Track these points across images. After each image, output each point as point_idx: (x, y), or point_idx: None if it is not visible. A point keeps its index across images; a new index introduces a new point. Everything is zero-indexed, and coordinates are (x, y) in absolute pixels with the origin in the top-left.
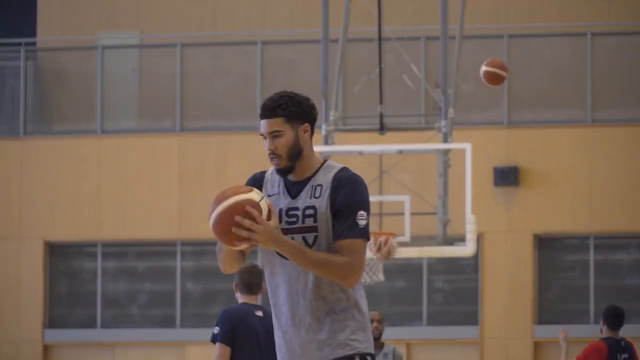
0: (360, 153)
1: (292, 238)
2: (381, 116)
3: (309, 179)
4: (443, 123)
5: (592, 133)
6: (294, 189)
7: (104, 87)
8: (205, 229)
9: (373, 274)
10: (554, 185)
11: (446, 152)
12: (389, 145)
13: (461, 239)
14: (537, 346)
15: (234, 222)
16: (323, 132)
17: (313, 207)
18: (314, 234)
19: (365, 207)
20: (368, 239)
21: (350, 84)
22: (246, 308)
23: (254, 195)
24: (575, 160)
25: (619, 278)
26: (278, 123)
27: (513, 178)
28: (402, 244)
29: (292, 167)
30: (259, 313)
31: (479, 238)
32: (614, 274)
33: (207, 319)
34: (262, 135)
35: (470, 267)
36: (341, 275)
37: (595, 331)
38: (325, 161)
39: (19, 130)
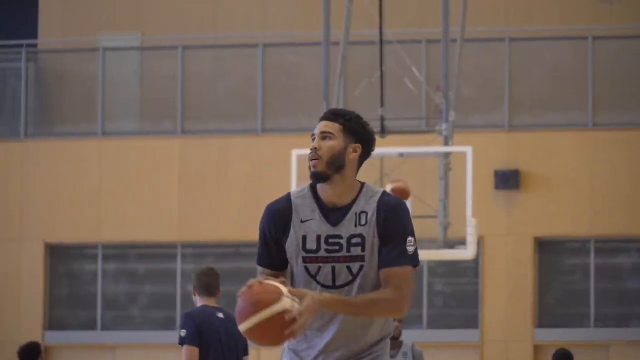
0: None
1: (334, 267)
2: (382, 119)
3: (350, 205)
4: (444, 126)
5: (594, 137)
6: (333, 216)
7: (105, 89)
8: (205, 231)
9: None
10: (555, 188)
11: (447, 155)
12: (390, 148)
13: (462, 242)
14: (538, 350)
15: (274, 333)
16: None
17: (360, 236)
18: (360, 263)
19: (413, 233)
20: (417, 265)
21: (352, 87)
22: (208, 310)
23: (287, 302)
24: (576, 163)
25: (619, 282)
26: (334, 127)
27: (514, 181)
28: None
29: (328, 176)
30: (220, 315)
31: (480, 241)
32: (614, 277)
33: None
34: (312, 136)
35: (471, 270)
36: (392, 310)
37: (595, 335)
38: (363, 185)
39: (20, 132)
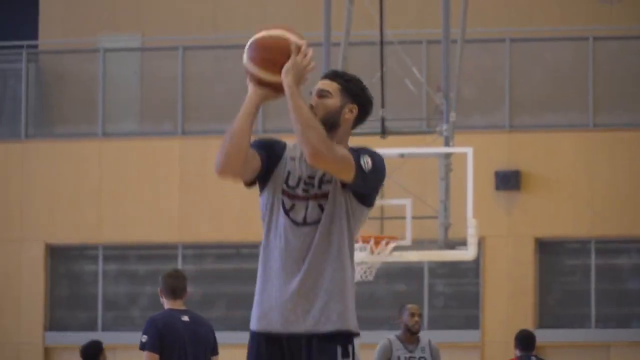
0: None
1: (307, 205)
2: (383, 120)
3: None
4: (444, 127)
5: (594, 137)
6: None
7: (105, 89)
8: (206, 232)
9: (364, 273)
10: (555, 189)
11: (448, 156)
12: (390, 149)
13: (462, 243)
14: (538, 350)
15: (280, 51)
16: None
17: (330, 179)
18: (330, 199)
19: (375, 157)
20: (362, 168)
21: None
22: (172, 314)
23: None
24: (576, 164)
25: (620, 282)
26: (332, 86)
27: (514, 182)
28: (404, 248)
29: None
30: (185, 318)
31: (480, 242)
32: (615, 278)
33: None
34: (310, 93)
35: (472, 271)
36: (317, 141)
37: (596, 335)
38: (350, 148)
39: (20, 133)
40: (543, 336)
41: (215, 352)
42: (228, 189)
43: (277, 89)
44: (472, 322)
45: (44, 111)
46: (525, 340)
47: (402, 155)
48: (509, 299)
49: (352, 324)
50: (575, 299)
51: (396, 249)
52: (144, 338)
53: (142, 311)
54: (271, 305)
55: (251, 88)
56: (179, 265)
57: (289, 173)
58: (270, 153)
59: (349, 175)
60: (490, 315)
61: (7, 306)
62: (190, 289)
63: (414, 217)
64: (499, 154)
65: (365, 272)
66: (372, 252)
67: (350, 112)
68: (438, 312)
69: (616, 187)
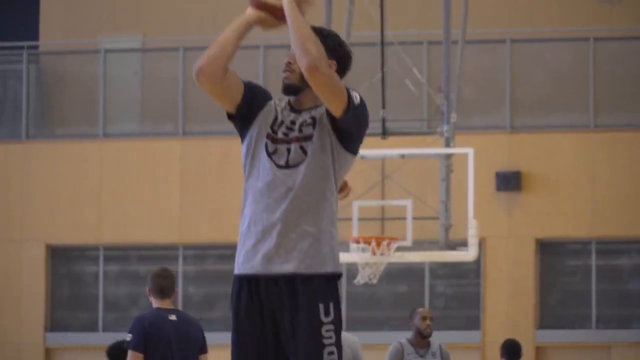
0: (362, 157)
1: (289, 149)
2: (383, 121)
3: (313, 107)
4: (445, 127)
5: (595, 138)
6: (297, 111)
7: (106, 90)
8: (206, 233)
9: (371, 275)
10: (556, 190)
11: (448, 156)
12: (391, 149)
13: (463, 244)
14: (539, 351)
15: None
16: None
17: (312, 117)
18: (312, 141)
19: (361, 99)
20: (353, 102)
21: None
22: (159, 313)
23: None
24: (577, 165)
25: (620, 283)
26: None
27: (515, 183)
28: (404, 249)
29: (299, 89)
30: (172, 317)
31: (481, 243)
32: (615, 279)
33: (209, 323)
34: (288, 50)
35: (472, 271)
36: (311, 52)
37: (597, 336)
38: None
39: (21, 134)
40: (544, 337)
41: (204, 350)
42: (228, 189)
43: (274, 13)
44: (472, 322)
45: (44, 112)
46: (511, 350)
47: (402, 156)
48: (509, 299)
49: (335, 266)
50: (575, 299)
51: (397, 249)
52: (129, 337)
53: (142, 312)
54: (254, 247)
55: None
56: (180, 266)
57: (275, 118)
58: (256, 92)
59: (340, 104)
60: (491, 316)
61: (8, 307)
62: (190, 289)
63: (414, 218)
64: (500, 155)
65: (370, 276)
66: (373, 253)
67: (328, 67)
68: (439, 313)
69: (617, 188)
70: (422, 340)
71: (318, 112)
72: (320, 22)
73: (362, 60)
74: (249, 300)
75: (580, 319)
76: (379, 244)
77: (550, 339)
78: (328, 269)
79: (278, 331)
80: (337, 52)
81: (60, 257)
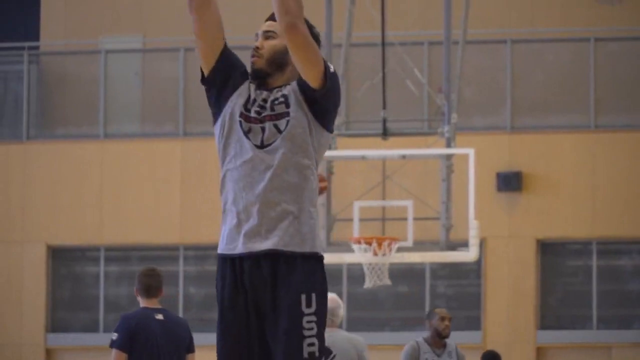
0: (363, 158)
1: (263, 128)
2: (384, 121)
3: (283, 85)
4: (446, 128)
5: (595, 138)
6: (267, 90)
7: (106, 91)
8: (207, 234)
9: (378, 278)
10: (556, 190)
11: (449, 157)
12: (391, 150)
13: (464, 244)
14: (540, 352)
15: None
16: None
17: (283, 95)
18: (286, 119)
19: (334, 70)
20: (330, 71)
21: (354, 89)
22: (145, 312)
23: None
24: (578, 165)
25: (621, 283)
26: (277, 27)
27: (516, 183)
28: (405, 249)
29: (267, 74)
30: (159, 316)
31: (482, 243)
32: (616, 279)
33: (209, 324)
34: (256, 35)
35: (473, 272)
36: (296, 11)
37: (598, 336)
38: None
39: (21, 134)
40: (544, 337)
41: (191, 350)
42: None
43: None
44: (473, 323)
45: (45, 113)
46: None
47: (403, 157)
48: (510, 300)
49: (313, 246)
50: (576, 300)
51: (398, 250)
52: (114, 336)
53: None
54: (237, 227)
55: None
56: (181, 266)
57: (248, 97)
58: (234, 61)
59: (318, 71)
60: (492, 316)
61: (9, 307)
62: (191, 290)
63: (415, 219)
64: (500, 155)
65: (375, 279)
66: (374, 253)
67: None
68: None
69: (617, 188)
70: (439, 340)
71: (289, 89)
72: (321, 23)
73: (363, 60)
74: (233, 288)
75: (581, 319)
76: (380, 245)
77: (551, 340)
78: (306, 248)
79: (262, 323)
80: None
81: (61, 257)
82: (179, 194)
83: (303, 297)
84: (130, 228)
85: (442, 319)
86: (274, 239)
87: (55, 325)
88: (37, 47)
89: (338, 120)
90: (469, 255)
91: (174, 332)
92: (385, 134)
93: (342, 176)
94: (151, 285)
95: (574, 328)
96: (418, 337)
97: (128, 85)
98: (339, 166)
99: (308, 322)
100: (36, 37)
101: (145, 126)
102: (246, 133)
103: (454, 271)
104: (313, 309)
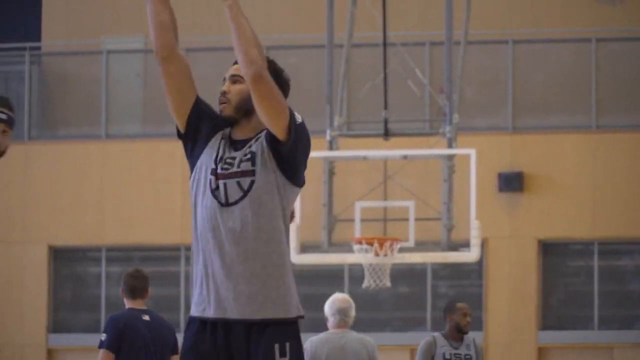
0: (364, 158)
1: (225, 184)
2: (385, 121)
3: (254, 136)
4: (447, 128)
5: (597, 139)
6: (236, 144)
7: (108, 91)
8: None
9: (379, 279)
10: (558, 190)
11: (451, 157)
12: (393, 150)
13: (465, 245)
14: (541, 352)
15: None
16: (327, 138)
17: (251, 152)
18: (250, 178)
19: (302, 121)
20: (295, 121)
21: (355, 89)
22: (132, 313)
23: None
24: (579, 165)
25: (623, 284)
26: None
27: (517, 184)
28: (407, 249)
29: (235, 119)
30: (146, 317)
31: (483, 243)
32: (618, 279)
33: None
34: (224, 79)
35: (474, 272)
36: (261, 61)
37: (599, 337)
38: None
39: (23, 135)
40: (546, 338)
41: (175, 351)
42: None
43: None
44: (475, 323)
45: (46, 113)
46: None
47: (405, 157)
48: (511, 300)
49: (293, 309)
50: (578, 300)
51: (399, 250)
52: (103, 336)
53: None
54: (208, 289)
55: None
56: (182, 266)
57: (217, 151)
58: (207, 113)
59: (283, 121)
60: (493, 316)
61: (10, 308)
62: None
63: (417, 219)
64: (502, 156)
65: (375, 279)
66: (376, 254)
67: None
68: (441, 314)
69: (619, 189)
70: (457, 335)
71: (257, 146)
72: (323, 24)
73: (364, 61)
74: (202, 343)
75: (583, 319)
76: (381, 245)
77: (553, 340)
78: (278, 314)
79: None
80: (281, 86)
81: (63, 258)
82: (180, 194)
83: (277, 347)
84: (131, 228)
85: (465, 314)
86: (249, 307)
87: (56, 325)
88: (38, 48)
89: (339, 121)
90: (470, 255)
91: (160, 333)
92: (387, 134)
93: (344, 177)
94: (136, 286)
95: (576, 328)
96: (434, 332)
97: (129, 86)
98: (340, 166)
99: None
100: (37, 38)
101: (147, 127)
102: (213, 190)
103: (455, 271)
104: (287, 357)
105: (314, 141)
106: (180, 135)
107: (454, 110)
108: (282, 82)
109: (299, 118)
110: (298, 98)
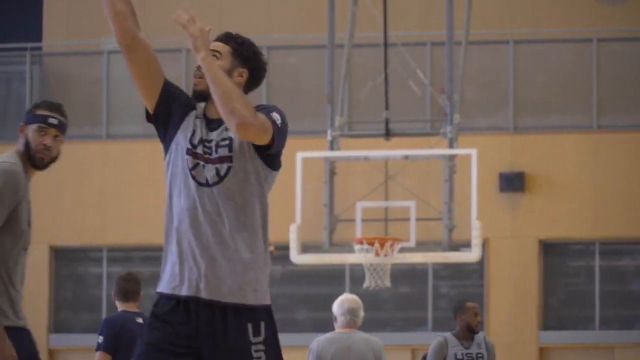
0: (365, 158)
1: (203, 166)
2: (387, 122)
3: None
4: (448, 128)
5: (597, 139)
6: (212, 124)
7: (109, 92)
8: None
9: (379, 279)
10: (559, 190)
11: (452, 157)
12: (394, 150)
13: (466, 245)
14: (542, 352)
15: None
16: (329, 138)
17: (229, 138)
18: (227, 164)
19: (281, 114)
20: (278, 126)
21: (356, 90)
22: (126, 316)
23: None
24: (580, 166)
25: (624, 284)
26: (223, 48)
27: (518, 184)
28: (408, 250)
29: (208, 95)
30: (139, 320)
31: (484, 244)
32: (619, 279)
33: None
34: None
35: (476, 272)
36: (239, 110)
37: (600, 337)
38: None
39: None
40: (547, 338)
41: None
42: None
43: None
44: None
45: None
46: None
47: (406, 157)
48: (512, 300)
49: (267, 296)
50: (579, 300)
51: (400, 250)
52: (100, 339)
53: (146, 313)
54: (182, 268)
55: None
56: None
57: (193, 131)
58: (177, 94)
59: (268, 138)
60: (494, 316)
61: None
62: None
63: (418, 219)
64: (503, 156)
65: (376, 279)
66: (377, 254)
67: (239, 76)
68: (442, 314)
69: (620, 189)
70: (468, 334)
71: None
72: (324, 24)
73: (365, 61)
74: (172, 321)
75: (584, 320)
76: (382, 245)
77: (554, 340)
78: (250, 299)
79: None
80: (251, 61)
81: (64, 258)
82: None
83: (250, 326)
84: (132, 229)
85: (475, 314)
86: (225, 290)
87: (57, 325)
88: (39, 48)
89: (340, 121)
90: (471, 255)
91: None
92: (388, 134)
93: (345, 177)
94: (128, 289)
95: (577, 328)
96: (445, 333)
97: (130, 86)
98: (341, 167)
99: (256, 351)
100: (38, 38)
101: (148, 127)
102: (190, 169)
103: (457, 272)
104: (260, 336)
105: (314, 141)
106: (149, 118)
107: (455, 110)
108: (256, 64)
109: (278, 119)
110: (299, 98)
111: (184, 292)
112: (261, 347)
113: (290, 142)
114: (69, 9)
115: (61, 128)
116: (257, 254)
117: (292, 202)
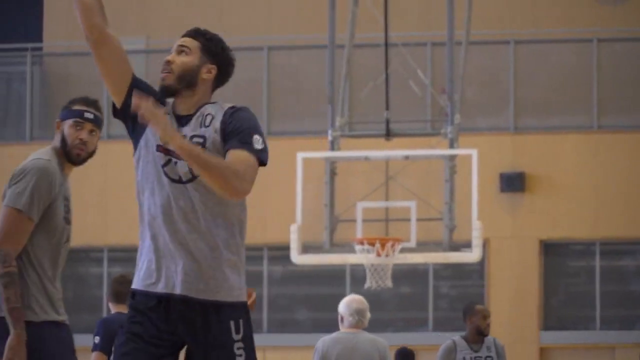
0: (366, 159)
1: (176, 162)
2: (387, 122)
3: (197, 110)
4: (449, 129)
5: (598, 139)
6: (182, 119)
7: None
8: None
9: (380, 279)
10: (559, 191)
11: (452, 158)
12: (395, 150)
13: (467, 245)
14: (543, 352)
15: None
16: (329, 138)
17: (202, 136)
18: None
19: (261, 133)
20: (262, 162)
21: (357, 90)
22: (121, 317)
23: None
24: (581, 166)
25: (624, 284)
26: (192, 44)
27: (519, 184)
28: (408, 250)
29: (176, 90)
30: None
31: (485, 244)
32: (619, 279)
33: None
34: (170, 49)
35: (476, 272)
36: (226, 179)
37: (601, 337)
38: (217, 102)
39: (25, 135)
40: (548, 338)
41: None
42: None
43: None
44: None
45: (48, 113)
46: (404, 358)
47: (406, 157)
48: (513, 300)
49: (243, 293)
50: (579, 300)
51: (401, 250)
52: (97, 339)
53: None
54: (158, 264)
55: None
56: None
57: None
58: (144, 88)
59: (256, 173)
60: (495, 316)
61: None
62: None
63: (418, 219)
64: (504, 156)
65: (377, 280)
66: (378, 254)
67: (208, 72)
68: (443, 314)
69: (620, 189)
70: (478, 337)
71: (210, 132)
72: (324, 24)
73: (365, 61)
74: (148, 318)
75: (584, 320)
76: (383, 246)
77: (554, 340)
78: (226, 296)
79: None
80: (220, 57)
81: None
82: None
83: (232, 324)
84: (133, 229)
85: (485, 317)
86: (202, 287)
87: None
88: (40, 48)
89: (341, 121)
90: (472, 255)
91: None
92: (389, 134)
93: (345, 177)
94: (121, 291)
95: (577, 329)
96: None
97: None
98: (342, 167)
99: (238, 348)
100: (39, 38)
101: None
102: (162, 166)
103: (457, 272)
104: (241, 333)
105: (315, 141)
106: (115, 114)
107: (456, 110)
108: (224, 59)
109: (257, 140)
110: (299, 98)
111: (160, 289)
112: (241, 344)
113: (290, 142)
114: (69, 9)
115: (97, 123)
116: (234, 251)
117: (292, 203)
